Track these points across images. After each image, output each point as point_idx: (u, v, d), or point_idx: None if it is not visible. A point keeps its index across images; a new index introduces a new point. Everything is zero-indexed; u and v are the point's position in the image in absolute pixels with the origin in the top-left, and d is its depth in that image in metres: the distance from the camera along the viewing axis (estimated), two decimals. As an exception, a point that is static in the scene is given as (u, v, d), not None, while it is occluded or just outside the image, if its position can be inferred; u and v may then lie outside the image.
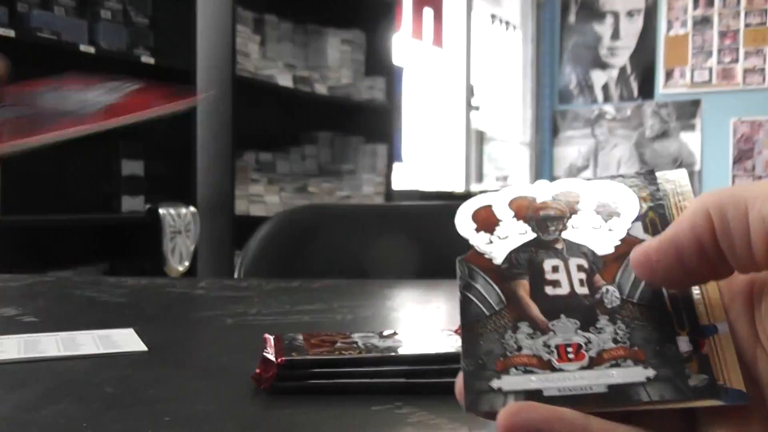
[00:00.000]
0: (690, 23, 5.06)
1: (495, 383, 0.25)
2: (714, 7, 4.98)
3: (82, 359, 0.54)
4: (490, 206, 0.29)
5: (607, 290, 0.26)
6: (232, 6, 2.81)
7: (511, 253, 0.28)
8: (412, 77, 4.17)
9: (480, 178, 4.98)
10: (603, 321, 0.26)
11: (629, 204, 0.28)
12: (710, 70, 5.01)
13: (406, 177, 4.08)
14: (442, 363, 0.44)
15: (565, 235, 0.28)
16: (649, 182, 0.29)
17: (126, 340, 0.59)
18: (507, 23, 5.35)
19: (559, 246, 0.28)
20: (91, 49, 2.32)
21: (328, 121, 3.53)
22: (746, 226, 0.23)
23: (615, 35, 5.35)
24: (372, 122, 3.56)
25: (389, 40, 3.62)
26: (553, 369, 0.25)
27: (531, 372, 0.25)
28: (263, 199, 3.09)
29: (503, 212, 0.29)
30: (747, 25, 4.89)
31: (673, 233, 0.24)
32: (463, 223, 0.29)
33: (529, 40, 5.53)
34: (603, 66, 5.41)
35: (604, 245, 0.27)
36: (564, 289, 0.27)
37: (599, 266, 0.27)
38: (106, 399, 0.45)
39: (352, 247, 1.16)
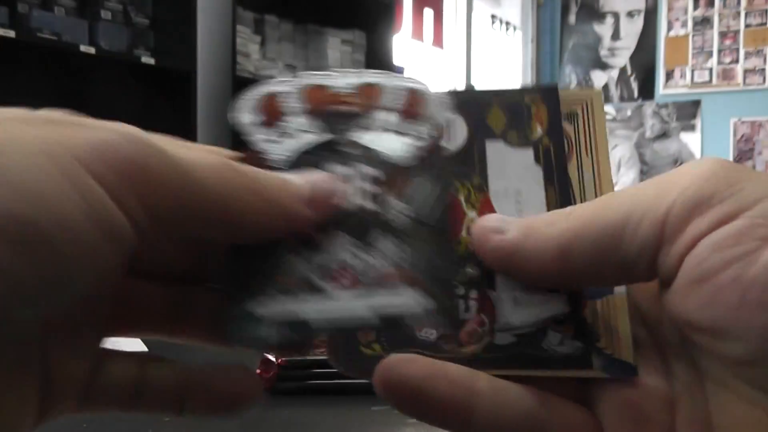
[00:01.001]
0: (690, 24, 5.06)
1: (258, 310, 0.22)
2: (714, 8, 4.98)
3: (83, 359, 0.53)
4: (277, 94, 0.24)
5: (391, 203, 0.23)
6: (232, 6, 2.81)
7: (293, 155, 0.24)
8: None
9: (480, 178, 4.97)
10: (380, 238, 0.22)
11: (437, 106, 0.24)
12: (710, 70, 5.01)
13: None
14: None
15: (358, 137, 0.24)
16: (548, 99, 0.24)
17: (126, 340, 0.59)
18: (507, 24, 5.35)
19: (350, 150, 0.23)
20: (92, 50, 2.32)
21: (328, 122, 3.53)
22: (621, 255, 0.21)
23: (615, 36, 5.35)
24: (372, 122, 3.56)
25: (389, 40, 3.62)
26: (324, 295, 0.22)
27: (298, 297, 0.22)
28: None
29: (292, 103, 0.24)
30: (747, 26, 4.89)
31: (518, 265, 0.22)
32: (244, 113, 0.24)
33: (529, 41, 5.53)
34: (603, 66, 5.41)
35: (399, 152, 0.23)
36: (349, 204, 0.23)
37: (389, 177, 0.23)
38: (106, 399, 0.44)
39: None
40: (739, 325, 0.19)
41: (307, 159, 0.23)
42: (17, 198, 0.17)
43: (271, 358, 0.45)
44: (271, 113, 0.24)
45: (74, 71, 2.48)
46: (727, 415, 0.21)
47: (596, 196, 0.24)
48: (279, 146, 0.24)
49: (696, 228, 0.20)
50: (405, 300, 0.22)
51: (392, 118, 0.24)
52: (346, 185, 0.23)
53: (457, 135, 0.24)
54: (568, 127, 0.24)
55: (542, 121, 0.24)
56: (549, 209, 0.24)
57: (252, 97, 0.25)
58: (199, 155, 0.21)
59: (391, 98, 0.24)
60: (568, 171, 0.24)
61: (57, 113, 0.21)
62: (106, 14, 2.46)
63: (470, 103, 0.25)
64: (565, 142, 0.24)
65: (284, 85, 0.24)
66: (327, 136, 0.24)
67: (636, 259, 0.21)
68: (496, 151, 0.24)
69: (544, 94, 0.24)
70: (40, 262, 0.18)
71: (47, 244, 0.18)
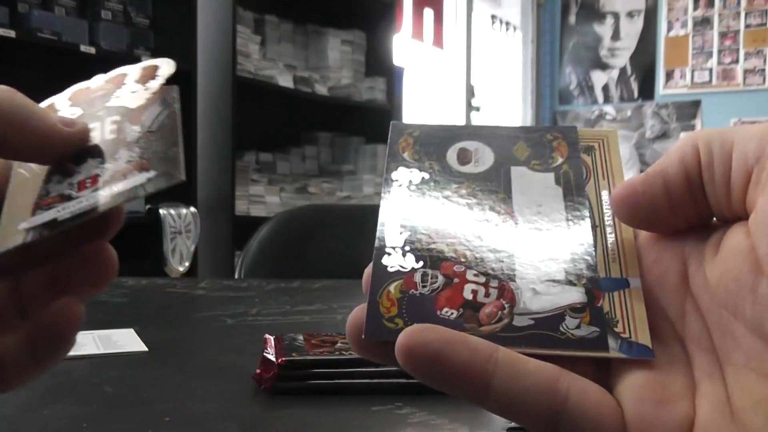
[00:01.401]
0: (690, 24, 5.06)
1: (22, 225, 0.27)
2: (714, 8, 4.98)
3: (82, 359, 0.54)
4: (52, 104, 0.33)
5: (131, 129, 0.29)
6: (232, 6, 2.81)
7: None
8: (413, 78, 4.17)
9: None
10: (121, 152, 0.28)
11: (165, 68, 0.32)
12: (710, 70, 5.01)
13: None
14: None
15: (107, 104, 0.31)
16: (567, 136, 0.30)
17: (126, 340, 0.59)
18: (507, 24, 5.35)
19: (100, 113, 0.31)
20: (92, 50, 2.32)
21: (328, 122, 3.53)
22: (729, 162, 0.23)
23: (615, 36, 5.35)
24: (372, 123, 3.56)
25: (390, 40, 3.62)
26: (70, 199, 0.27)
27: (55, 207, 0.27)
28: (263, 199, 3.09)
29: (62, 105, 0.32)
30: (747, 26, 4.89)
31: (662, 164, 0.24)
32: None
33: (530, 41, 5.53)
34: (603, 67, 5.41)
35: (137, 101, 0.30)
36: (96, 139, 0.29)
37: (129, 116, 0.30)
38: (106, 399, 0.45)
39: (352, 247, 1.16)
40: None
41: None
42: None
43: (271, 358, 0.45)
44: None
45: (74, 71, 2.47)
46: (750, 395, 0.21)
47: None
48: None
49: None
50: (136, 179, 0.27)
51: (132, 87, 0.32)
52: (93, 129, 0.30)
53: (485, 160, 0.30)
54: (586, 158, 0.29)
55: (563, 153, 0.30)
56: (567, 219, 0.27)
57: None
58: None
59: (130, 77, 0.32)
60: (585, 190, 0.29)
61: None
62: (106, 14, 2.46)
63: (498, 136, 0.31)
64: (583, 169, 0.29)
65: (58, 96, 0.33)
66: (84, 112, 0.31)
67: (739, 168, 0.22)
68: (520, 175, 0.29)
69: (564, 132, 0.31)
70: None
71: None
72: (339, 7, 3.44)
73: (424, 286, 0.25)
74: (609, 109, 5.39)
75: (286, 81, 3.11)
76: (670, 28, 5.14)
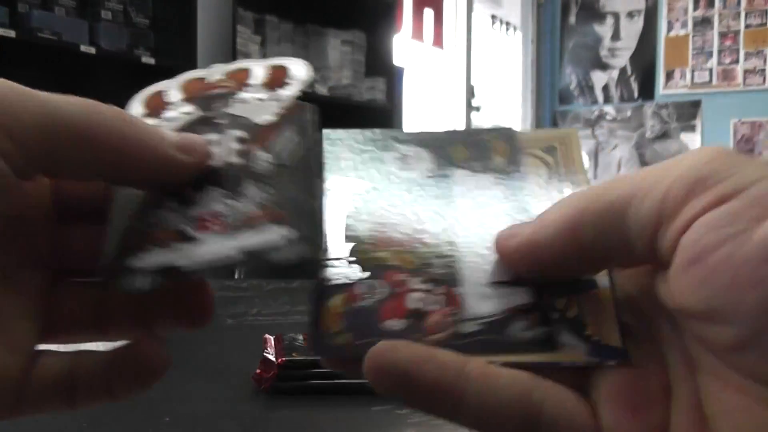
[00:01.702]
0: (690, 24, 5.06)
1: (134, 262, 0.23)
2: (714, 8, 4.98)
3: (82, 359, 0.53)
4: (161, 92, 0.28)
5: (257, 155, 0.25)
6: (232, 6, 2.81)
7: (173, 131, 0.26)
8: (413, 78, 4.17)
9: (480, 178, 4.97)
10: (249, 186, 0.24)
11: (298, 73, 0.28)
12: (710, 71, 5.01)
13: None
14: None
15: (229, 110, 0.26)
16: (506, 137, 0.29)
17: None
18: (507, 24, 5.35)
19: (220, 121, 0.26)
20: (92, 50, 2.32)
21: (328, 122, 3.50)
22: (624, 231, 0.22)
23: (615, 36, 5.35)
24: (372, 123, 3.56)
25: (390, 40, 3.62)
26: (195, 242, 0.23)
27: (171, 248, 0.23)
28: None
29: (174, 96, 0.28)
30: (747, 26, 4.89)
31: (531, 240, 0.23)
32: (132, 109, 0.28)
33: (530, 41, 5.53)
34: (603, 67, 5.41)
35: (265, 115, 0.26)
36: (217, 161, 0.25)
37: (256, 135, 0.25)
38: (106, 399, 0.44)
39: (353, 248, 1.16)
40: (730, 305, 0.19)
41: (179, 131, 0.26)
42: None
43: (271, 358, 0.45)
44: (155, 107, 0.27)
45: (74, 71, 2.47)
46: (718, 403, 0.21)
47: None
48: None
49: (692, 208, 0.20)
50: (269, 235, 0.23)
51: (259, 91, 0.27)
52: (212, 143, 0.25)
53: (425, 165, 0.28)
54: (547, 158, 0.29)
55: (502, 153, 0.29)
56: (508, 219, 0.26)
57: (139, 96, 0.28)
58: (65, 97, 0.23)
59: (256, 76, 0.28)
60: (526, 189, 0.28)
61: None
62: (106, 14, 2.46)
63: (434, 140, 0.29)
64: (544, 166, 0.28)
65: (168, 83, 0.28)
66: (201, 114, 0.26)
67: (637, 237, 0.21)
68: (461, 177, 0.28)
69: (501, 133, 0.29)
70: None
71: None
72: (339, 7, 3.43)
73: (368, 297, 0.24)
74: (609, 109, 5.39)
75: (286, 81, 3.11)
76: (670, 28, 5.14)
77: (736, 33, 4.92)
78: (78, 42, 2.31)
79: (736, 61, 4.93)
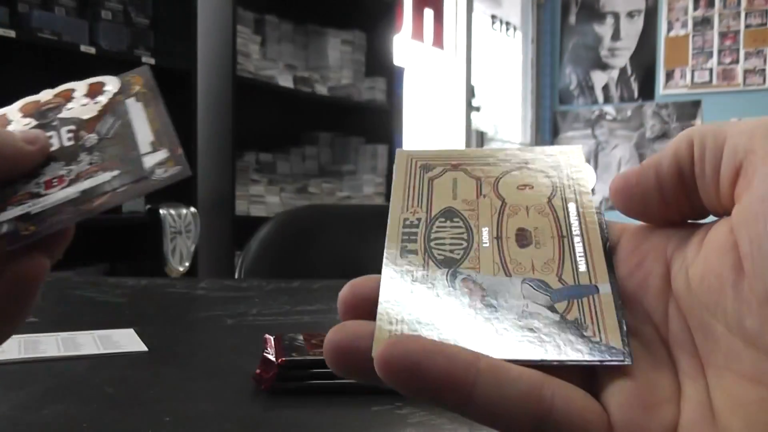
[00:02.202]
0: (690, 24, 5.06)
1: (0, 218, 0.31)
2: (714, 8, 4.98)
3: (82, 359, 0.54)
4: (4, 114, 0.36)
5: (88, 137, 0.34)
6: (232, 6, 2.81)
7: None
8: (413, 78, 4.17)
9: (480, 178, 4.97)
10: (82, 156, 0.33)
11: (111, 84, 0.37)
12: (711, 70, 5.01)
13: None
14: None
15: (60, 115, 0.35)
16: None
17: (126, 340, 0.59)
18: (507, 24, 5.35)
19: (54, 123, 0.35)
20: (92, 50, 2.32)
21: (328, 122, 3.53)
22: (720, 156, 0.23)
23: (615, 36, 5.35)
24: (372, 123, 3.56)
25: (390, 40, 3.62)
26: (40, 195, 0.31)
27: (25, 204, 0.31)
28: (263, 199, 3.09)
29: (13, 116, 0.36)
30: (747, 26, 4.89)
31: (656, 158, 0.25)
32: None
33: (530, 41, 5.53)
34: (603, 67, 5.41)
35: (88, 113, 0.35)
36: (55, 147, 0.34)
37: (84, 126, 0.34)
38: (106, 399, 0.45)
39: (353, 247, 1.16)
40: None
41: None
42: None
43: (271, 358, 0.45)
44: (1, 124, 0.35)
45: (74, 71, 2.47)
46: (730, 398, 0.21)
47: (582, 224, 0.28)
48: None
49: None
50: (102, 177, 0.32)
51: (82, 100, 0.36)
52: (51, 137, 0.34)
53: (113, 84, 0.37)
54: (552, 173, 0.30)
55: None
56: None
57: None
58: None
59: (78, 92, 0.36)
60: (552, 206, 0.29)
61: None
62: (106, 14, 2.46)
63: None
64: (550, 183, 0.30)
65: (8, 108, 0.36)
66: (38, 122, 0.35)
67: (729, 160, 0.22)
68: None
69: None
70: None
71: None
72: (339, 7, 3.43)
73: None
74: (609, 109, 5.39)
75: (286, 81, 3.11)
76: (670, 28, 5.14)
77: (736, 33, 4.93)
78: (78, 42, 2.31)
79: (736, 61, 4.93)
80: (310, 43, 3.46)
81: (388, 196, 3.59)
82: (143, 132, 0.34)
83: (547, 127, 5.60)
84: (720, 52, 4.98)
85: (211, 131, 2.84)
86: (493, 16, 5.19)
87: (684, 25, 5.09)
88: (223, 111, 2.83)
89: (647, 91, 5.25)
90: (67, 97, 0.36)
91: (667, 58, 5.16)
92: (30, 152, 0.32)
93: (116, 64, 2.47)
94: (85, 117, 0.35)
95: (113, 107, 0.35)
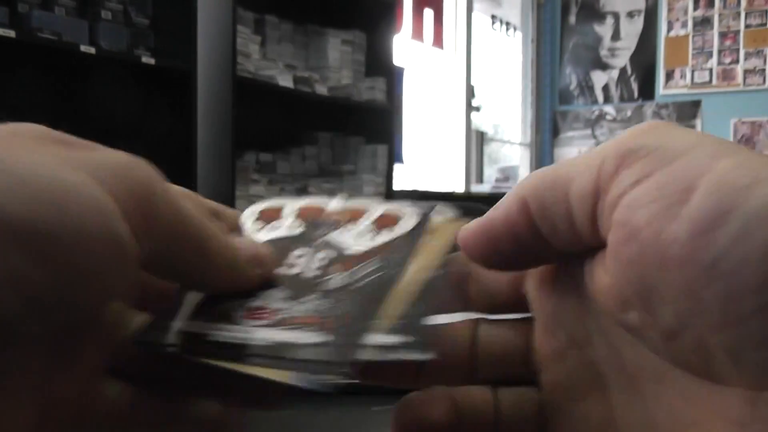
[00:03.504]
0: (690, 24, 5.06)
1: (178, 325, 0.24)
2: (714, 8, 4.98)
3: (82, 359, 0.53)
4: (279, 208, 0.30)
5: (335, 276, 0.26)
6: (232, 6, 2.81)
7: (271, 240, 0.29)
8: (413, 78, 4.17)
9: (480, 178, 4.98)
10: (313, 296, 0.25)
11: (406, 221, 0.28)
12: (711, 70, 5.01)
13: (407, 177, 4.08)
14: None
15: (328, 237, 0.28)
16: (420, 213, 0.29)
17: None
18: (507, 24, 5.35)
19: (316, 242, 0.28)
20: (92, 50, 2.32)
21: (328, 122, 3.53)
22: (567, 208, 0.21)
23: (615, 36, 5.35)
24: (372, 123, 3.56)
25: (390, 40, 3.62)
26: (233, 323, 0.24)
27: (209, 323, 0.24)
28: (263, 199, 3.09)
29: (289, 212, 0.30)
30: (747, 26, 4.90)
31: (487, 221, 0.23)
32: (248, 213, 0.30)
33: (530, 41, 5.53)
34: (603, 67, 5.41)
35: (357, 247, 0.27)
36: (295, 270, 0.27)
37: (342, 260, 0.27)
38: (105, 399, 0.44)
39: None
40: (659, 287, 0.18)
41: (277, 242, 0.28)
42: (39, 208, 0.17)
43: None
44: (268, 217, 0.30)
45: (74, 71, 2.48)
46: (669, 414, 0.20)
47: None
48: (262, 234, 0.29)
49: (622, 182, 0.19)
50: (302, 335, 0.23)
51: (363, 228, 0.28)
52: (300, 256, 0.27)
53: (409, 221, 0.28)
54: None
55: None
56: None
57: (257, 206, 0.31)
58: (188, 203, 0.23)
59: (370, 216, 0.29)
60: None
61: (62, 134, 0.21)
62: (106, 14, 2.46)
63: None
64: None
65: (289, 201, 0.31)
66: (302, 233, 0.29)
67: (579, 211, 0.21)
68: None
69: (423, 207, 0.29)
70: (57, 273, 0.18)
71: (65, 255, 0.18)
72: (339, 7, 3.43)
73: None
74: (609, 109, 5.39)
75: (286, 81, 3.11)
76: (670, 28, 5.14)
77: (736, 33, 4.93)
78: (78, 42, 2.31)
79: (736, 61, 4.93)
80: (310, 43, 3.46)
81: (387, 196, 3.60)
82: (397, 301, 0.24)
83: (547, 127, 5.61)
84: (720, 52, 4.98)
85: (211, 131, 2.84)
86: (493, 16, 5.19)
87: (684, 25, 5.09)
88: (223, 111, 2.83)
89: (647, 91, 5.26)
90: (356, 216, 0.29)
91: (667, 58, 5.16)
92: (249, 277, 0.26)
93: (116, 64, 2.47)
94: (351, 251, 0.27)
95: (387, 253, 0.27)
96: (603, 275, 0.20)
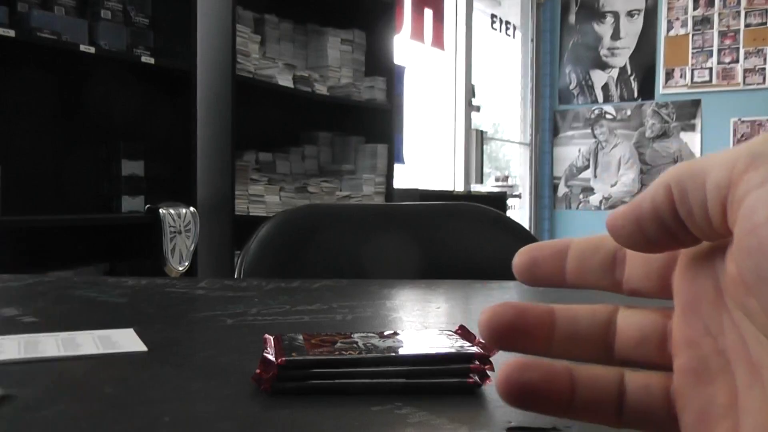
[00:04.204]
0: (690, 23, 5.06)
1: None
2: (714, 8, 4.98)
3: (82, 359, 0.53)
4: None
5: None
6: (232, 6, 2.81)
7: None
8: (413, 78, 4.17)
9: (480, 178, 4.98)
10: None
11: None
12: (710, 70, 5.01)
13: (406, 177, 4.08)
14: (442, 363, 0.44)
15: None
16: None
17: (126, 340, 0.59)
18: (507, 23, 5.35)
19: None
20: (91, 49, 2.32)
21: (328, 121, 3.53)
22: (703, 195, 0.23)
23: (615, 35, 5.35)
24: (372, 122, 3.56)
25: (390, 40, 3.62)
26: None
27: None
28: (263, 199, 3.09)
29: None
30: (747, 25, 4.90)
31: (636, 204, 0.26)
32: None
33: (529, 40, 5.53)
34: (603, 66, 5.41)
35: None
36: None
37: None
38: (106, 399, 0.44)
39: (353, 247, 1.16)
40: None
41: None
42: None
43: (271, 357, 0.45)
44: None
45: (74, 71, 2.48)
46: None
47: None
48: None
49: (750, 179, 0.22)
50: None
51: None
52: None
53: None
54: None
55: None
56: None
57: None
58: None
59: None
60: None
61: None
62: (106, 14, 2.46)
63: None
64: None
65: None
66: None
67: (713, 202, 0.23)
68: None
69: None
70: None
71: None
72: (339, 7, 3.44)
73: None
74: (609, 109, 5.39)
75: (285, 80, 3.11)
76: (670, 28, 5.14)
77: (736, 32, 4.93)
78: (78, 42, 2.31)
79: (736, 60, 4.93)
80: (309, 42, 3.46)
81: (387, 195, 3.59)
82: None
83: (547, 126, 5.60)
84: (720, 51, 4.98)
85: (210, 131, 2.84)
86: (493, 16, 5.19)
87: (684, 24, 5.09)
88: (222, 110, 2.83)
89: (647, 90, 5.25)
90: None
91: (666, 58, 5.16)
92: None
93: (116, 64, 2.47)
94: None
95: None
96: (731, 264, 0.23)
